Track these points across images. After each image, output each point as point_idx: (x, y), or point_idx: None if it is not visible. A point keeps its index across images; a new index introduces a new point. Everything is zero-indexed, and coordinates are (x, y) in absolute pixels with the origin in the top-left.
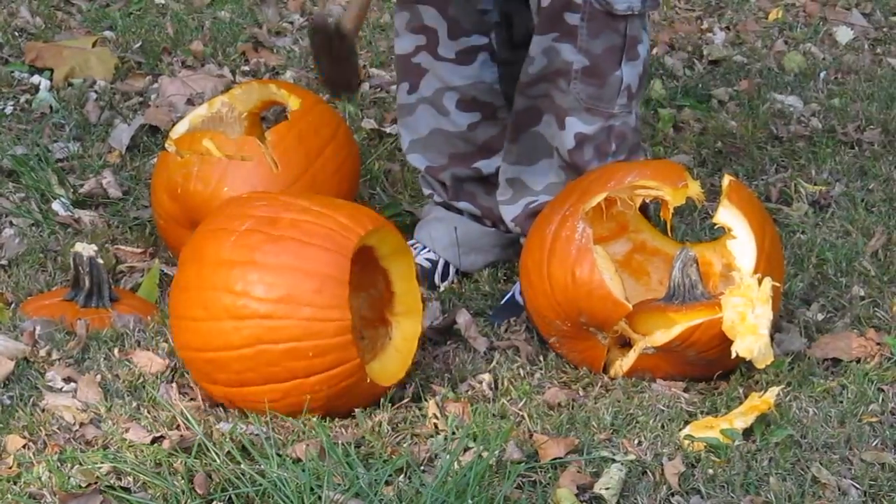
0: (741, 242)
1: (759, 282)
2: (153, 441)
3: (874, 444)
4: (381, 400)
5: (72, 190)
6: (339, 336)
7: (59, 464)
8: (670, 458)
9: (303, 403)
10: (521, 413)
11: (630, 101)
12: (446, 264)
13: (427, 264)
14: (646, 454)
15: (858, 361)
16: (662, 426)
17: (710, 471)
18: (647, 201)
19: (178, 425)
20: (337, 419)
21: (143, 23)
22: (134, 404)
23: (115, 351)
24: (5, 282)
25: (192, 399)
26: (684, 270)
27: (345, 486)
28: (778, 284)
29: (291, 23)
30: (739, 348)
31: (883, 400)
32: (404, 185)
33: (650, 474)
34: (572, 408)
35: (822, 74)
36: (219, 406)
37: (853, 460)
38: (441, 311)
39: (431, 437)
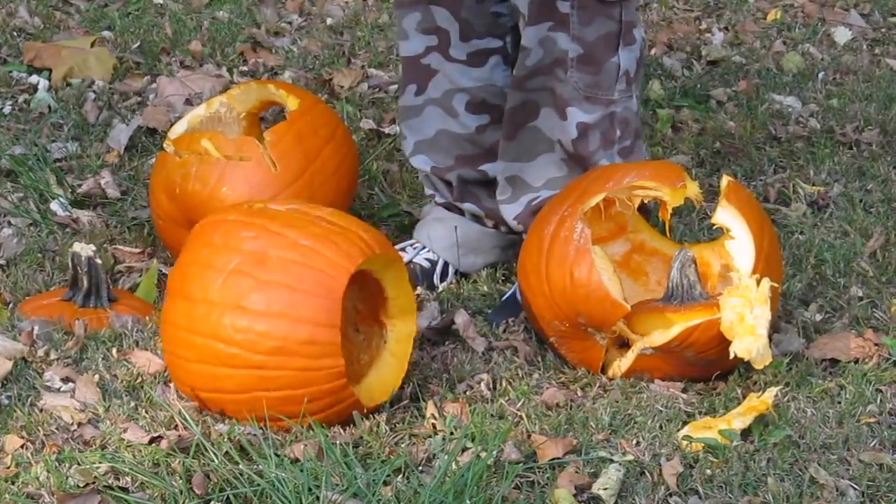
0: (740, 243)
1: (758, 282)
2: (151, 441)
3: (872, 444)
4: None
5: (70, 190)
6: (334, 381)
7: (57, 464)
8: (668, 458)
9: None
10: (519, 413)
11: (629, 85)
12: (445, 265)
13: (426, 264)
14: (644, 454)
15: (856, 362)
16: (661, 427)
17: (709, 471)
18: (647, 201)
19: (176, 425)
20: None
21: (142, 23)
22: (132, 404)
23: (114, 351)
24: (3, 282)
25: (189, 399)
26: (682, 271)
27: (343, 487)
28: (776, 285)
29: (290, 23)
30: (738, 349)
31: (881, 400)
32: (403, 186)
33: (648, 475)
34: (570, 408)
35: (820, 75)
36: None
37: (851, 461)
38: (439, 311)
39: (429, 437)
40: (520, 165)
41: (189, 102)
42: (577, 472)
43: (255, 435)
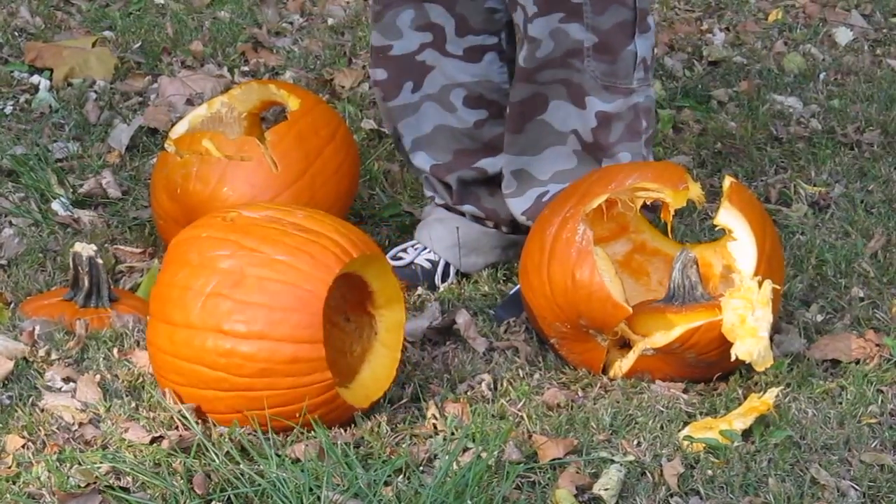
0: (742, 244)
1: (760, 284)
2: (152, 441)
3: (873, 445)
4: (380, 401)
5: (71, 190)
6: (324, 394)
7: (58, 463)
8: (669, 458)
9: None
10: (520, 414)
11: (647, 73)
12: (447, 265)
13: (427, 265)
14: (645, 455)
15: (858, 363)
16: (661, 427)
17: (710, 472)
18: (648, 203)
19: (177, 425)
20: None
21: (143, 23)
22: (133, 404)
23: (115, 351)
24: (5, 282)
25: None
26: (684, 272)
27: (344, 487)
28: (778, 287)
29: (291, 23)
30: (739, 351)
31: (882, 401)
32: (404, 186)
33: (649, 475)
34: (571, 408)
35: (821, 75)
36: None
37: (852, 461)
38: (440, 311)
39: (430, 437)
40: (526, 159)
41: (190, 102)
42: (577, 472)
43: (255, 435)
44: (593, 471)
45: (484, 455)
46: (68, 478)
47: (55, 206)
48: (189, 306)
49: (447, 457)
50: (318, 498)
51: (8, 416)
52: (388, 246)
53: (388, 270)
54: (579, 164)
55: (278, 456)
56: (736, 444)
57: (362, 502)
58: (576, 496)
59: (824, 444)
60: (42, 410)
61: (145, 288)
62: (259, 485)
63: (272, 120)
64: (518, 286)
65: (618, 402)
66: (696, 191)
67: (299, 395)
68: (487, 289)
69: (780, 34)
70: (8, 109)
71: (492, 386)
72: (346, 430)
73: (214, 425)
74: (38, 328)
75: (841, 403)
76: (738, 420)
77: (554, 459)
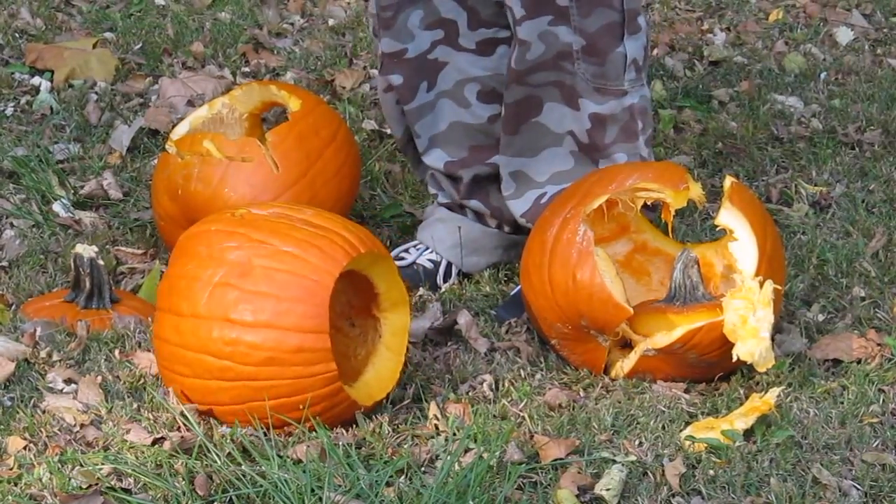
0: (743, 244)
1: (761, 285)
2: (154, 442)
3: (875, 444)
4: (382, 401)
5: (72, 191)
6: (328, 386)
7: (59, 465)
8: (671, 458)
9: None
10: (521, 414)
11: (639, 73)
12: (448, 265)
13: (429, 265)
14: (646, 455)
15: (859, 362)
16: (663, 427)
17: (711, 472)
18: (649, 203)
19: (179, 426)
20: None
21: (144, 24)
22: (135, 405)
23: (116, 352)
24: (6, 283)
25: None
26: (685, 272)
27: (346, 488)
28: (779, 287)
29: (292, 24)
30: (741, 352)
31: (884, 401)
32: (405, 186)
33: (651, 475)
34: (573, 409)
35: (822, 75)
36: None
37: (854, 461)
38: (442, 312)
39: (432, 438)
40: (523, 161)
41: (191, 103)
42: (579, 472)
43: (257, 436)
44: (595, 471)
45: (486, 455)
46: (70, 479)
47: (56, 207)
48: (196, 296)
49: (449, 457)
50: (320, 499)
51: (9, 418)
52: (389, 247)
53: (395, 273)
54: (576, 166)
55: (280, 457)
56: (737, 443)
57: (364, 503)
58: (577, 496)
59: (826, 444)
60: (43, 412)
61: (147, 289)
62: (261, 486)
63: (273, 121)
64: (519, 287)
65: (619, 403)
66: (696, 191)
67: (303, 386)
68: (489, 289)
69: (780, 34)
70: (9, 111)
71: (493, 386)
72: (347, 431)
73: (216, 426)
74: (39, 330)
75: (842, 403)
76: (740, 420)
77: (556, 460)
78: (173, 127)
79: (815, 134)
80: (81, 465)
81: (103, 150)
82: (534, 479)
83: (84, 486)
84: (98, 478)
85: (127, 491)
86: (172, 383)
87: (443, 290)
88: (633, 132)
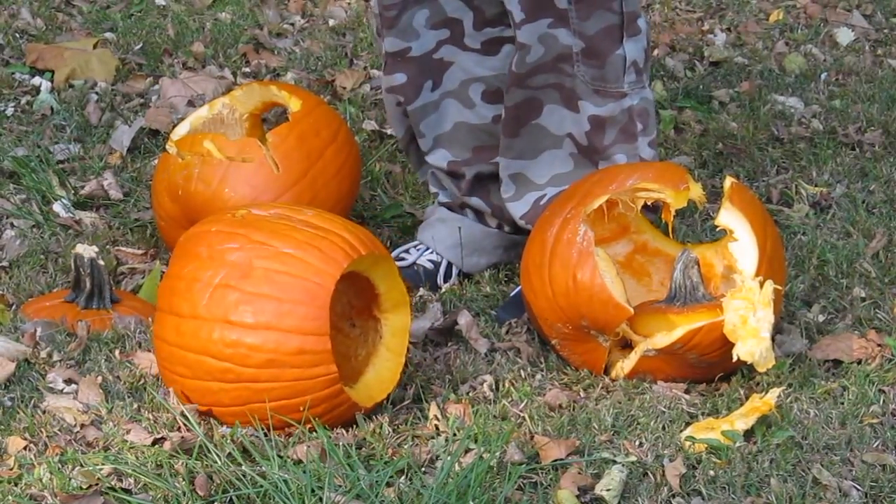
0: (743, 245)
1: (761, 285)
2: (154, 442)
3: (875, 445)
4: (382, 402)
5: (73, 191)
6: (329, 388)
7: (59, 465)
8: (671, 459)
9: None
10: (522, 414)
11: (640, 75)
12: (449, 265)
13: (430, 266)
14: (647, 455)
15: (859, 363)
16: (663, 427)
17: (711, 472)
18: (649, 203)
19: (179, 427)
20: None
21: (144, 24)
22: (135, 406)
23: (116, 352)
24: (6, 283)
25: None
26: (686, 272)
27: (346, 488)
28: (780, 287)
29: (292, 24)
30: (741, 352)
31: (884, 401)
32: (405, 187)
33: (651, 476)
34: (573, 409)
35: (822, 76)
36: None
37: (854, 462)
38: (442, 312)
39: (432, 438)
40: (523, 163)
41: (191, 104)
42: (579, 473)
43: (257, 436)
44: (595, 471)
45: (486, 456)
46: (70, 479)
47: (56, 207)
48: (197, 298)
49: (449, 458)
50: (321, 499)
51: (10, 418)
52: (389, 247)
53: (396, 274)
54: (576, 168)
55: (280, 457)
56: (738, 444)
57: (364, 503)
58: (578, 497)
59: (826, 445)
60: (44, 412)
61: (147, 289)
62: (261, 486)
63: (273, 121)
64: (519, 287)
65: (619, 403)
66: (697, 191)
67: (304, 388)
68: (489, 290)
69: (781, 34)
70: (9, 111)
71: (493, 387)
72: (347, 431)
73: (216, 426)
74: (39, 330)
75: (843, 403)
76: (740, 420)
77: (556, 460)
78: (174, 127)
79: (816, 134)
80: (82, 466)
81: (104, 150)
82: (534, 480)
83: (84, 487)
84: (98, 478)
85: (127, 491)
86: (173, 384)
87: (443, 290)
88: (633, 134)
